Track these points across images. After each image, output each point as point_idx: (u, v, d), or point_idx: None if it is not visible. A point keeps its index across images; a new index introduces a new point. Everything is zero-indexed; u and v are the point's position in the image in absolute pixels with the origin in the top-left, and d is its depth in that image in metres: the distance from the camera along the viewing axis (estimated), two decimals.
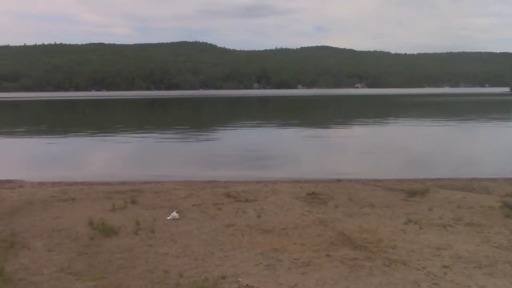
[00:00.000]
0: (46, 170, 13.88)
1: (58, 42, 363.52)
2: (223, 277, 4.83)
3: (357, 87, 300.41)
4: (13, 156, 17.79)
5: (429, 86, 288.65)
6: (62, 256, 5.59)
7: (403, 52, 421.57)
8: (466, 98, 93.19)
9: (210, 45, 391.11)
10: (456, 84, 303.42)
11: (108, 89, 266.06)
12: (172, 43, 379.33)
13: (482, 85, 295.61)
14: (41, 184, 10.89)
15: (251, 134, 25.39)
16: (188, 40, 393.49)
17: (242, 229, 6.62)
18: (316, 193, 8.94)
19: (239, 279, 4.79)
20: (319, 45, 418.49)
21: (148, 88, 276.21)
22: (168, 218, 7.26)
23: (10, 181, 10.98)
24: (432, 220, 7.05)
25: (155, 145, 20.54)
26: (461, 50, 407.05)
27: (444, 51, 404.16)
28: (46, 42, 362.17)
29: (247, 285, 4.64)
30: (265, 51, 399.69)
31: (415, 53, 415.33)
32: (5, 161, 16.39)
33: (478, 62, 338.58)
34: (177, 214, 7.36)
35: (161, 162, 15.81)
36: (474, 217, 7.20)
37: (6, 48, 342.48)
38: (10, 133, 26.85)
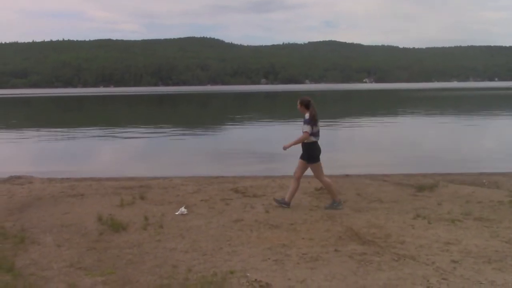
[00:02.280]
0: (55, 166, 13.96)
1: (66, 39, 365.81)
2: (232, 272, 4.84)
3: (365, 82, 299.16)
4: (23, 152, 17.93)
5: (438, 81, 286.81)
6: (72, 251, 5.63)
7: (411, 46, 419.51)
8: (475, 92, 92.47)
9: (218, 40, 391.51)
10: (465, 78, 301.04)
11: (116, 86, 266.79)
12: (179, 39, 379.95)
13: (492, 79, 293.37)
14: (50, 180, 10.97)
15: (259, 130, 25.37)
16: (196, 36, 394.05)
17: (250, 224, 6.62)
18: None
19: (248, 274, 4.80)
20: (327, 39, 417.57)
21: (156, 84, 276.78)
22: (177, 213, 7.28)
23: (19, 177, 11.06)
24: (440, 215, 7.01)
25: (163, 141, 20.60)
26: (470, 44, 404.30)
27: (453, 45, 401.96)
28: (54, 39, 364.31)
29: (256, 280, 4.64)
30: (273, 46, 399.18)
31: (424, 47, 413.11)
32: (14, 157, 16.52)
33: (488, 56, 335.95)
34: (185, 210, 7.38)
35: (168, 158, 15.86)
36: (483, 212, 7.16)
37: (15, 45, 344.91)
38: (20, 129, 27.04)
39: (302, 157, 7.58)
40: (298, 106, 7.58)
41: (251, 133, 23.99)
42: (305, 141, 7.38)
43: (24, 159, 16.04)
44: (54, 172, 12.26)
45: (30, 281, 4.69)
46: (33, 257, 5.42)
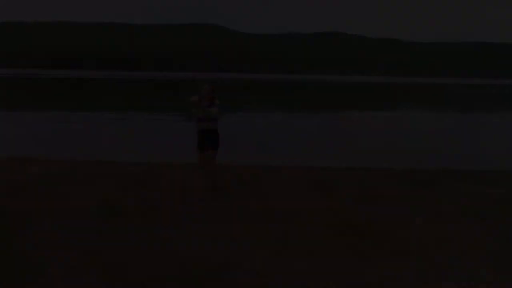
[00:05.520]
0: (58, 148, 13.97)
1: (71, 20, 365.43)
2: (229, 263, 4.83)
3: (371, 75, 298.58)
4: (26, 133, 17.91)
5: (447, 76, 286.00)
6: (70, 235, 5.62)
7: (418, 41, 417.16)
8: (486, 90, 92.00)
9: (222, 27, 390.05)
10: (474, 75, 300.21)
11: (118, 69, 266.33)
12: (184, 25, 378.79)
13: (510, 77, 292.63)
14: (53, 161, 10.95)
15: (260, 119, 25.31)
16: (200, 22, 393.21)
17: (250, 214, 6.61)
18: (325, 181, 8.90)
19: (245, 265, 4.79)
20: (332, 31, 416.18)
21: (159, 70, 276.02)
22: (177, 201, 7.27)
23: (23, 158, 11.05)
24: (441, 211, 6.99)
25: (166, 127, 20.58)
26: (477, 40, 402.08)
27: (459, 40, 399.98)
28: (58, 20, 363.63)
29: (253, 271, 4.63)
30: (276, 35, 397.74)
31: (429, 41, 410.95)
32: (18, 138, 16.49)
33: (494, 54, 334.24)
34: (186, 197, 7.36)
35: (171, 145, 15.83)
36: (483, 210, 7.13)
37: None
38: (25, 110, 27.00)
39: (213, 147, 7.54)
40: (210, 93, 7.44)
41: (253, 122, 23.94)
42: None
43: (27, 140, 16.02)
44: (58, 153, 12.26)
45: (27, 266, 4.68)
46: (31, 240, 5.41)
